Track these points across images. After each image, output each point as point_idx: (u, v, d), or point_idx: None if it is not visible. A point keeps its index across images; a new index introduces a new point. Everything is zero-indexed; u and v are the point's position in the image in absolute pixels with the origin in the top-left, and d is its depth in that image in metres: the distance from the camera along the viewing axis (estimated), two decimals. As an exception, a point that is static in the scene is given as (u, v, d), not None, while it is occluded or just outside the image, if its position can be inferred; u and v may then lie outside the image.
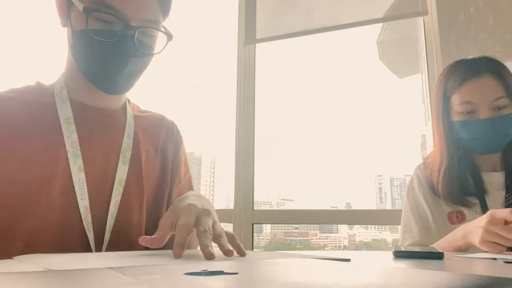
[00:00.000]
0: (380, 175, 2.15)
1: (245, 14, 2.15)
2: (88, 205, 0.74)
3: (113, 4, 0.72)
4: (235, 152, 2.05)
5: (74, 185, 0.73)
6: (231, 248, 0.57)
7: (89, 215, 0.73)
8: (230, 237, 0.61)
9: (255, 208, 1.97)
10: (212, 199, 2.22)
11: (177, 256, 0.54)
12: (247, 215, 1.95)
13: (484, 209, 1.07)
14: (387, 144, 1.99)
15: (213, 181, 2.23)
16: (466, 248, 0.94)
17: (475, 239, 0.86)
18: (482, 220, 0.85)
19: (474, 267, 0.62)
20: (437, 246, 1.00)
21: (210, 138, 2.18)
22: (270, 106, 2.19)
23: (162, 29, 0.79)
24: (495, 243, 0.81)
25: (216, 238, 0.59)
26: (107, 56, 0.74)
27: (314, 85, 2.17)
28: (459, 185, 1.10)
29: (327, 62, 2.16)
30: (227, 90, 2.15)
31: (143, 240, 0.58)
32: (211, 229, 0.59)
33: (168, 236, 0.62)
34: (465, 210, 1.08)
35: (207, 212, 0.63)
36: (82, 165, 0.75)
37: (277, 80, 2.25)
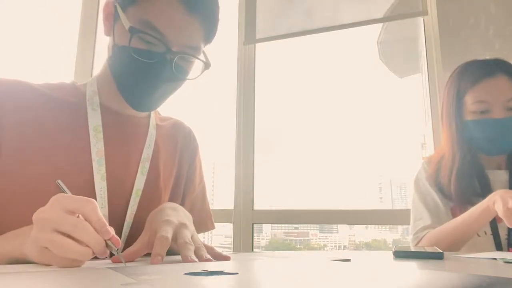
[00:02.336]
0: (381, 175, 2.15)
1: (245, 14, 2.15)
2: (107, 214, 0.73)
3: (160, 27, 0.71)
4: (235, 152, 2.05)
5: (96, 193, 0.73)
6: (209, 257, 0.57)
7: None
8: (209, 249, 0.61)
9: (255, 208, 1.97)
10: (212, 199, 2.22)
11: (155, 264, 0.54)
12: (247, 215, 1.95)
13: None
14: (387, 144, 1.99)
15: (213, 181, 2.23)
16: (489, 214, 0.96)
17: (501, 205, 0.90)
18: None
19: (474, 267, 0.62)
20: (455, 220, 1.03)
21: (210, 138, 2.18)
22: (270, 106, 2.19)
23: (201, 56, 0.79)
24: None
25: (196, 250, 0.59)
26: (143, 76, 0.74)
27: (314, 85, 2.17)
28: (469, 185, 1.10)
29: (327, 62, 2.16)
30: (227, 90, 2.15)
31: (115, 260, 0.57)
32: (191, 240, 0.60)
33: (144, 252, 0.61)
34: (469, 206, 1.09)
35: (184, 226, 0.63)
36: (105, 174, 0.75)
37: (277, 80, 2.25)
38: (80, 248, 0.49)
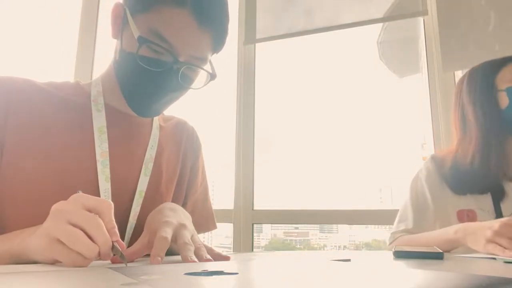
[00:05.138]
0: (380, 175, 2.15)
1: (245, 14, 2.15)
2: None
3: (169, 38, 0.70)
4: (235, 152, 2.05)
5: (100, 195, 0.73)
6: (209, 257, 0.58)
7: None
8: (209, 249, 0.61)
9: (255, 208, 1.97)
10: (212, 199, 2.23)
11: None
12: (247, 215, 1.95)
13: (497, 211, 1.05)
14: (387, 144, 1.98)
15: (213, 181, 2.23)
16: (452, 247, 0.94)
17: (475, 239, 0.86)
18: (495, 222, 0.85)
19: (474, 267, 0.62)
20: (424, 235, 1.02)
21: (210, 138, 2.19)
22: (270, 106, 2.19)
23: (208, 66, 0.79)
24: (501, 246, 0.80)
25: (196, 250, 0.59)
26: (148, 84, 0.74)
27: (314, 85, 2.17)
28: (497, 167, 1.07)
29: (327, 62, 2.16)
30: (227, 90, 2.15)
31: (115, 260, 0.57)
32: (191, 241, 0.60)
33: (143, 253, 0.62)
34: (477, 210, 1.07)
35: (183, 226, 0.63)
36: (109, 175, 0.75)
37: (277, 80, 2.25)
38: (89, 242, 0.50)
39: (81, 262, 0.50)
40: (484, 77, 1.14)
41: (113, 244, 0.52)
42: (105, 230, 0.52)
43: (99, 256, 0.51)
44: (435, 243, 0.95)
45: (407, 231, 1.11)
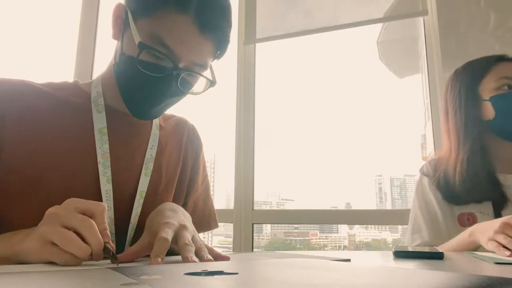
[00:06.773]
0: (380, 175, 2.15)
1: (245, 14, 2.15)
2: (113, 217, 0.73)
3: (170, 44, 0.70)
4: (235, 152, 2.05)
5: (102, 196, 0.73)
6: (210, 257, 0.58)
7: (113, 226, 0.73)
8: (209, 249, 0.61)
9: (255, 208, 1.97)
10: (213, 199, 2.24)
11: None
12: (247, 215, 1.95)
13: (497, 212, 1.04)
14: (387, 144, 1.99)
15: (213, 181, 2.23)
16: (473, 247, 0.92)
17: (483, 238, 0.86)
18: (497, 221, 0.85)
19: (474, 267, 0.62)
20: (446, 245, 0.99)
21: (210, 138, 2.19)
22: (270, 106, 2.19)
23: (208, 72, 0.78)
24: (501, 245, 0.80)
25: (197, 250, 0.59)
26: (148, 89, 0.74)
27: (314, 85, 2.17)
28: (476, 184, 1.06)
29: (327, 62, 2.16)
30: (227, 90, 2.15)
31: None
32: (191, 242, 0.60)
33: (144, 254, 0.62)
34: (477, 213, 1.06)
35: (184, 227, 0.63)
36: (111, 176, 0.75)
37: (277, 80, 2.25)
38: (82, 243, 0.51)
39: (73, 262, 0.51)
40: (467, 87, 1.13)
41: (105, 245, 0.53)
42: (97, 231, 0.52)
43: (91, 257, 0.52)
44: (458, 249, 0.94)
45: (425, 244, 1.07)
